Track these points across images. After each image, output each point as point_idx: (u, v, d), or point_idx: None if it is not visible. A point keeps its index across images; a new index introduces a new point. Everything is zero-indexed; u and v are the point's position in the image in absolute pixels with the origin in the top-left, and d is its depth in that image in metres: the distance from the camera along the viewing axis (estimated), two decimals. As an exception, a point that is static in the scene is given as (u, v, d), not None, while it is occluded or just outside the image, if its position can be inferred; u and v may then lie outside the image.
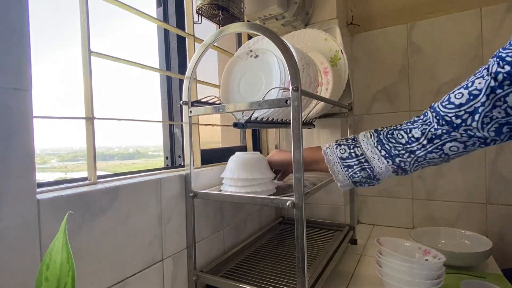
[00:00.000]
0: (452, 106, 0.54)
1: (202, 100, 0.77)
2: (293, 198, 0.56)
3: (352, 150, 0.64)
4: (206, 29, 0.97)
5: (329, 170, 0.67)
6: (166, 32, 0.90)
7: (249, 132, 1.22)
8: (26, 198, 0.44)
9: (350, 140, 0.66)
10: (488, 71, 0.51)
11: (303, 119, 0.72)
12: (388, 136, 0.62)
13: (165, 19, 0.89)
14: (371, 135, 0.64)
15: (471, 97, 0.52)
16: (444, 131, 0.56)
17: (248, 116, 0.67)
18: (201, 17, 0.87)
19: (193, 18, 0.89)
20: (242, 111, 0.66)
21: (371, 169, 0.63)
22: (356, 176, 0.64)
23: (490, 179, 1.08)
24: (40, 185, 0.52)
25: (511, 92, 0.49)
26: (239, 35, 1.25)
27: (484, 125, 0.52)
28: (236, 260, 0.86)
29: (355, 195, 1.25)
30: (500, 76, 0.49)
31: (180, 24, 0.89)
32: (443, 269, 0.68)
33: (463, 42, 1.11)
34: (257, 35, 0.70)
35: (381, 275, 0.72)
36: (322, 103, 0.90)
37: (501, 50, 0.51)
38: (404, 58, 1.21)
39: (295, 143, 0.55)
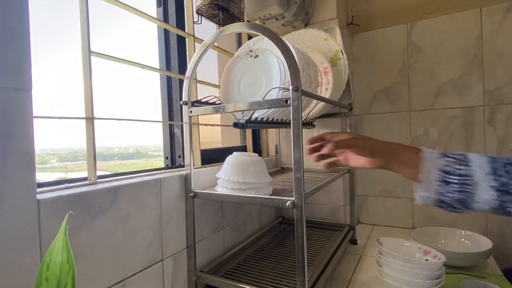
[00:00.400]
0: None
1: (202, 100, 0.77)
2: (293, 198, 0.56)
3: (459, 167, 0.54)
4: (206, 29, 0.97)
5: (416, 176, 0.56)
6: (166, 32, 0.90)
7: (249, 132, 1.22)
8: (26, 198, 0.44)
9: (461, 155, 0.55)
10: None
11: (303, 119, 0.72)
12: (504, 168, 0.52)
13: (165, 19, 0.89)
14: (486, 159, 0.54)
15: None
16: None
17: (248, 116, 0.67)
18: (201, 17, 0.87)
19: (193, 18, 0.89)
20: (242, 111, 0.66)
21: (472, 195, 0.52)
22: (448, 196, 0.54)
23: (490, 179, 1.08)
24: (40, 185, 0.52)
25: None
26: (239, 35, 1.25)
27: None
28: (236, 260, 0.86)
29: (355, 195, 1.25)
30: None
31: (180, 24, 0.89)
32: (443, 269, 0.68)
33: (463, 42, 1.11)
34: (257, 35, 0.70)
35: (381, 275, 0.72)
36: (322, 103, 0.90)
37: None
38: (404, 58, 1.21)
39: (295, 143, 0.55)
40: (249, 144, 1.21)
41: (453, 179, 0.53)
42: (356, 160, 0.63)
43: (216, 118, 1.28)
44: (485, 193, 0.51)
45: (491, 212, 0.53)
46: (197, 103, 0.75)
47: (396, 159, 0.59)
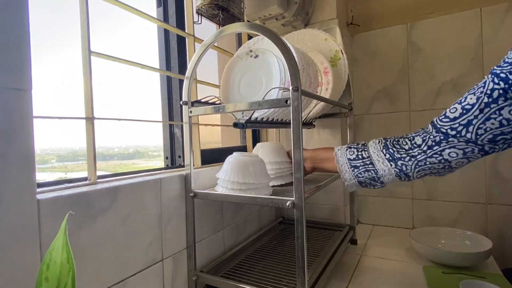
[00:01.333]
0: (447, 120, 0.61)
1: (202, 100, 0.77)
2: (293, 198, 0.56)
3: (359, 153, 0.71)
4: (206, 29, 0.97)
5: (337, 169, 0.73)
6: (166, 32, 0.90)
7: (249, 132, 1.22)
8: (26, 198, 0.44)
9: (360, 145, 0.73)
10: (483, 88, 0.58)
11: (303, 119, 0.72)
12: (394, 142, 0.68)
13: (165, 19, 0.89)
14: (379, 141, 0.70)
15: (464, 111, 0.59)
16: (442, 137, 0.62)
17: (248, 116, 0.67)
18: (201, 17, 0.87)
19: (193, 18, 0.89)
20: (242, 111, 0.66)
21: (375, 171, 0.69)
22: (361, 176, 0.70)
23: (490, 179, 1.08)
24: (40, 185, 0.52)
25: (505, 105, 0.55)
26: (239, 35, 1.25)
27: (478, 136, 0.58)
28: (236, 260, 0.86)
29: (355, 195, 1.25)
30: (495, 93, 0.56)
31: (180, 24, 0.89)
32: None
33: (463, 42, 1.11)
34: (257, 35, 0.70)
35: None
36: (322, 103, 0.90)
37: (495, 67, 0.58)
38: (404, 58, 1.21)
39: (295, 143, 0.55)
40: (249, 144, 1.21)
41: (358, 163, 0.71)
42: None
43: (216, 118, 1.29)
44: (383, 166, 0.67)
45: (400, 181, 0.69)
46: (197, 103, 0.75)
47: (319, 160, 0.78)
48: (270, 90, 0.65)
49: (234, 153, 0.74)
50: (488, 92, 0.57)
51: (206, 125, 0.99)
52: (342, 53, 0.93)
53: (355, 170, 0.71)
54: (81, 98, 0.60)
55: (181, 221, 0.73)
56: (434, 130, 0.63)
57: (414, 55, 1.19)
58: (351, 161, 0.71)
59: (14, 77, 0.43)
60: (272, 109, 0.68)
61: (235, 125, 0.66)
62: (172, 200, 0.70)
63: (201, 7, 0.83)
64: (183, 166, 0.85)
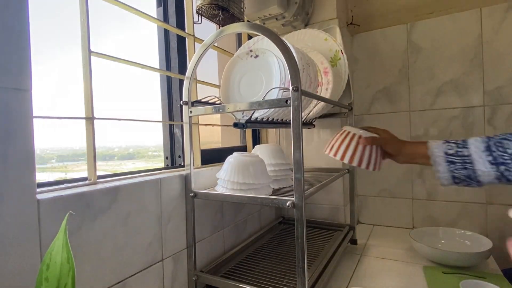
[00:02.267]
0: None
1: (202, 100, 0.77)
2: (293, 198, 0.56)
3: (459, 149, 0.68)
4: (206, 29, 0.97)
5: (430, 160, 0.71)
6: (166, 32, 0.90)
7: (249, 132, 1.22)
8: (26, 198, 0.44)
9: (460, 141, 0.70)
10: None
11: (303, 119, 0.72)
12: (497, 144, 0.65)
13: (165, 19, 0.89)
14: (482, 140, 0.67)
15: None
16: None
17: (248, 116, 0.67)
18: (201, 17, 0.87)
19: (193, 18, 0.89)
20: (242, 111, 0.66)
21: (474, 170, 0.66)
22: (457, 172, 0.68)
23: (490, 179, 1.08)
24: (40, 185, 0.52)
25: None
26: (239, 35, 1.25)
27: None
28: (236, 260, 0.86)
29: (355, 195, 1.25)
30: None
31: (180, 24, 0.89)
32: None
33: (463, 42, 1.11)
34: (257, 35, 0.70)
35: None
36: (322, 103, 0.90)
37: None
38: (404, 58, 1.21)
39: (295, 143, 0.55)
40: (249, 144, 1.21)
41: (456, 159, 0.68)
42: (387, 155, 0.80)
43: (216, 118, 1.29)
44: (483, 167, 0.65)
45: (497, 182, 0.66)
46: (197, 103, 0.75)
47: (412, 153, 0.76)
48: (270, 90, 0.65)
49: (235, 153, 0.74)
50: None
51: (206, 125, 0.99)
52: (342, 53, 0.93)
53: (451, 166, 0.68)
54: (81, 98, 0.60)
55: (181, 221, 0.73)
56: None
57: (414, 55, 1.19)
58: (448, 156, 0.69)
59: (14, 77, 0.43)
60: (272, 109, 0.68)
61: (235, 125, 0.66)
62: (172, 200, 0.70)
63: (201, 7, 0.83)
64: (183, 166, 0.85)
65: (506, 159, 0.63)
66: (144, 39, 0.93)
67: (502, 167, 0.64)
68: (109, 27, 0.82)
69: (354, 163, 0.74)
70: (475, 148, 0.67)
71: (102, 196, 0.54)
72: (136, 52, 0.84)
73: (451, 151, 0.69)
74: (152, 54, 0.91)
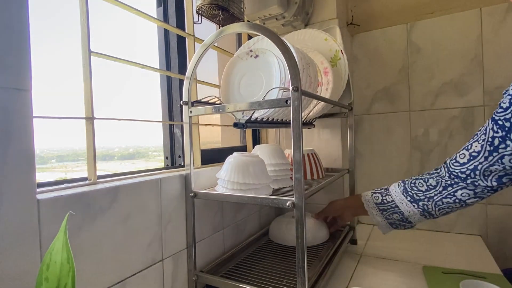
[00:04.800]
0: (458, 164, 0.69)
1: (202, 100, 0.77)
2: (293, 198, 0.56)
3: (384, 197, 0.80)
4: (206, 29, 0.97)
5: (369, 215, 0.83)
6: (166, 32, 0.90)
7: (249, 132, 1.22)
8: (26, 198, 0.44)
9: (383, 190, 0.82)
10: (485, 135, 0.64)
11: (303, 119, 0.72)
12: (411, 185, 0.77)
13: (165, 19, 0.89)
14: (398, 185, 0.80)
15: (471, 158, 0.66)
16: (454, 180, 0.70)
17: (248, 116, 0.67)
18: (201, 17, 0.87)
19: (193, 18, 0.89)
20: (242, 111, 0.66)
21: (401, 212, 0.77)
22: (390, 218, 0.79)
23: (490, 179, 1.08)
24: (40, 185, 0.52)
25: (506, 154, 0.60)
26: (239, 35, 1.25)
27: (486, 177, 0.65)
28: (236, 260, 0.86)
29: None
30: (496, 141, 0.61)
31: (180, 24, 0.89)
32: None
33: (463, 42, 1.11)
34: (257, 35, 0.70)
35: None
36: (322, 103, 0.90)
37: (495, 113, 0.62)
38: (404, 58, 1.21)
39: (295, 143, 0.55)
40: (249, 144, 1.21)
41: (384, 207, 0.79)
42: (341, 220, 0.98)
43: (216, 118, 1.28)
44: (407, 207, 0.76)
45: (425, 218, 0.77)
46: (197, 103, 0.75)
47: (353, 209, 0.88)
48: (270, 90, 0.65)
49: (235, 153, 0.74)
50: (490, 140, 0.62)
51: (206, 125, 0.99)
52: (342, 53, 0.93)
53: (384, 213, 0.79)
54: (81, 98, 0.60)
55: (181, 221, 0.73)
56: (447, 174, 0.71)
57: (414, 55, 1.19)
58: (378, 205, 0.80)
59: (14, 77, 0.43)
60: (272, 109, 0.68)
61: (235, 125, 0.66)
62: (172, 200, 0.70)
63: (201, 7, 0.83)
64: (183, 166, 0.85)
65: (420, 196, 0.74)
66: (144, 39, 0.93)
67: (421, 203, 0.74)
68: (109, 27, 0.82)
69: None
70: (395, 193, 0.78)
71: (102, 196, 0.54)
72: (136, 52, 0.84)
73: (378, 201, 0.80)
74: (152, 54, 0.91)
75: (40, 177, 0.49)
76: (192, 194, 0.72)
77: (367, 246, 1.05)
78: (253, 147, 0.91)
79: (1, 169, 0.41)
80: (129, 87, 0.88)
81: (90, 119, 0.60)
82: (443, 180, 0.71)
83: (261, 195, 0.66)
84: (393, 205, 0.78)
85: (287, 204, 0.56)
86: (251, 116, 0.67)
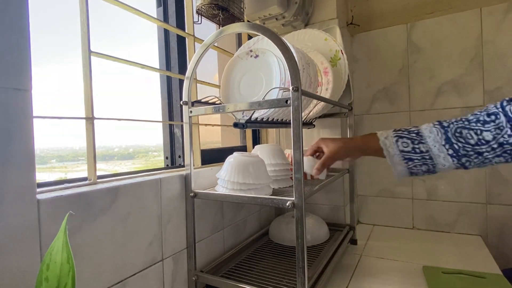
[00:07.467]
0: None
1: (202, 100, 0.77)
2: (293, 198, 0.56)
3: (416, 146, 0.64)
4: (206, 29, 0.97)
5: (388, 161, 0.67)
6: (166, 32, 0.90)
7: (249, 132, 1.22)
8: (26, 198, 0.44)
9: (414, 134, 0.65)
10: None
11: (303, 119, 0.72)
12: (457, 134, 0.60)
13: (165, 19, 0.89)
14: (437, 131, 0.62)
15: None
16: None
17: (248, 116, 0.67)
18: (201, 17, 0.87)
19: (193, 18, 0.89)
20: (242, 111, 0.66)
21: (434, 165, 0.63)
22: (416, 169, 0.65)
23: (490, 179, 1.08)
24: (40, 185, 0.52)
25: None
26: (239, 35, 1.25)
27: None
28: (236, 260, 0.86)
29: (355, 195, 1.25)
30: None
31: (180, 24, 0.89)
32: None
33: (463, 42, 1.11)
34: (257, 35, 0.70)
35: None
36: (322, 103, 0.90)
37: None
38: (404, 58, 1.21)
39: (295, 143, 0.55)
40: (249, 144, 1.21)
41: (414, 156, 0.64)
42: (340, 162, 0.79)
43: (216, 118, 1.28)
44: (445, 161, 0.62)
45: (456, 169, 0.64)
46: (197, 103, 0.75)
47: (366, 152, 0.73)
48: (270, 90, 0.65)
49: (235, 153, 0.74)
50: None
51: (206, 125, 0.99)
52: (342, 53, 0.93)
53: (410, 163, 0.65)
54: (81, 98, 0.60)
55: (181, 221, 0.73)
56: (509, 124, 0.55)
57: (414, 55, 1.19)
58: (405, 154, 0.65)
59: (14, 77, 0.43)
60: (272, 109, 0.68)
61: (235, 125, 0.66)
62: (172, 200, 0.70)
63: (201, 7, 0.83)
64: (183, 166, 0.85)
65: (468, 151, 0.59)
66: (144, 39, 0.93)
67: (464, 159, 0.60)
68: (109, 27, 0.82)
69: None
70: (434, 142, 0.62)
71: (102, 196, 0.54)
72: (136, 52, 0.84)
73: (407, 148, 0.65)
74: (152, 54, 0.91)
75: (40, 177, 0.49)
76: (192, 194, 0.72)
77: (367, 246, 1.05)
78: (253, 147, 0.91)
79: (1, 169, 0.41)
80: (129, 87, 0.88)
81: (90, 119, 0.60)
82: (503, 136, 0.55)
83: (261, 195, 0.66)
84: (427, 157, 0.63)
85: (287, 204, 0.56)
86: (251, 116, 0.67)
